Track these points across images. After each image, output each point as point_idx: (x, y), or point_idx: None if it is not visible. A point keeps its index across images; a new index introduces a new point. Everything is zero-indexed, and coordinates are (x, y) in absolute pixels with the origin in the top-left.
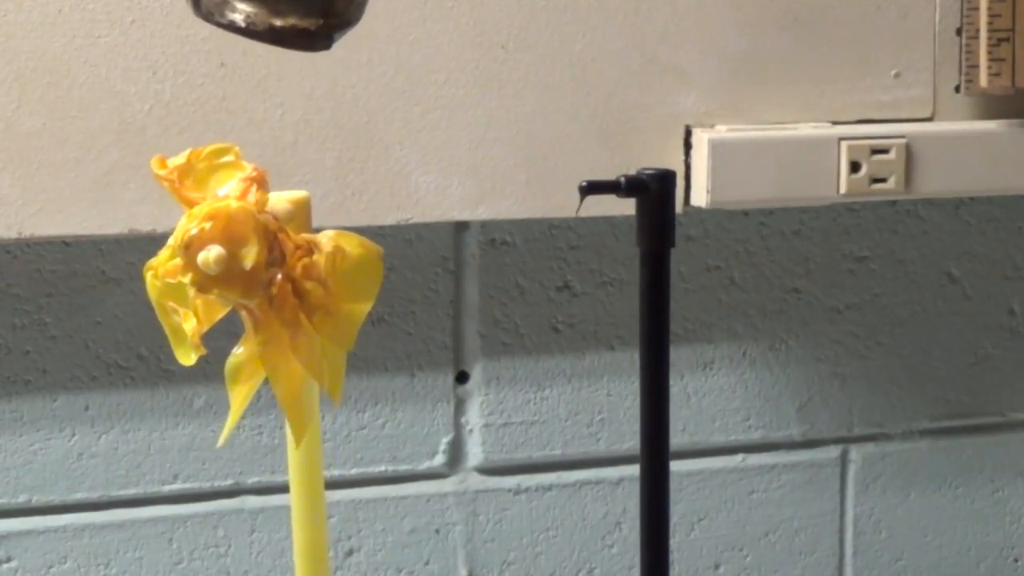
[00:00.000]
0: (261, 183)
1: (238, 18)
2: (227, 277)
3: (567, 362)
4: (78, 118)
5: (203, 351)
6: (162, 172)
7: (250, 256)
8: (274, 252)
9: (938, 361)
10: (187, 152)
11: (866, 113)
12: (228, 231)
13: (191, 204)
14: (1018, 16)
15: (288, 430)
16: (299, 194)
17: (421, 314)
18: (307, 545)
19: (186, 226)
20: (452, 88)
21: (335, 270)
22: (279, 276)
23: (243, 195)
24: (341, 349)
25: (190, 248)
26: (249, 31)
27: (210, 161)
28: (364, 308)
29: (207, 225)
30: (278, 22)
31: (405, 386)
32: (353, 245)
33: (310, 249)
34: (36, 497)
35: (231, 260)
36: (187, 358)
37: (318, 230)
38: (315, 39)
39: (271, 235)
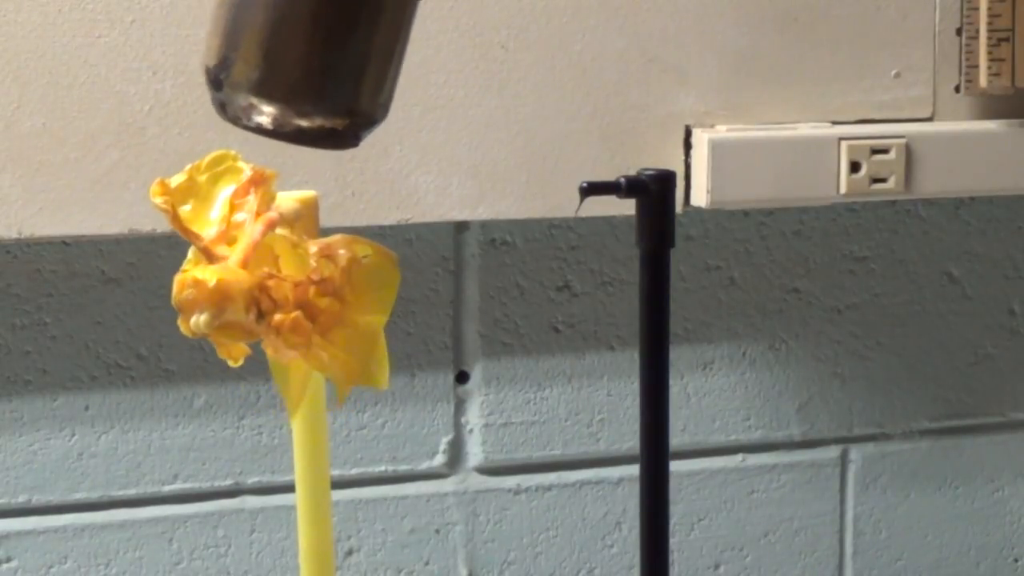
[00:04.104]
0: (260, 182)
1: (265, 121)
2: (224, 329)
3: (567, 362)
4: (78, 118)
5: (247, 351)
6: (159, 200)
7: (238, 316)
8: (264, 304)
9: (938, 361)
10: (187, 169)
11: (866, 113)
12: (215, 295)
13: (187, 232)
14: (1018, 16)
15: (294, 432)
16: (307, 194)
17: (421, 314)
18: (312, 545)
19: (176, 293)
20: (452, 88)
21: (351, 280)
22: (277, 316)
23: (242, 196)
24: (359, 360)
25: (182, 312)
26: (276, 133)
27: (211, 171)
28: (381, 320)
29: (192, 292)
30: (305, 123)
31: (405, 386)
32: (368, 253)
33: (310, 281)
34: (36, 497)
35: (222, 317)
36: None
37: (323, 231)
38: (342, 138)
39: (257, 290)
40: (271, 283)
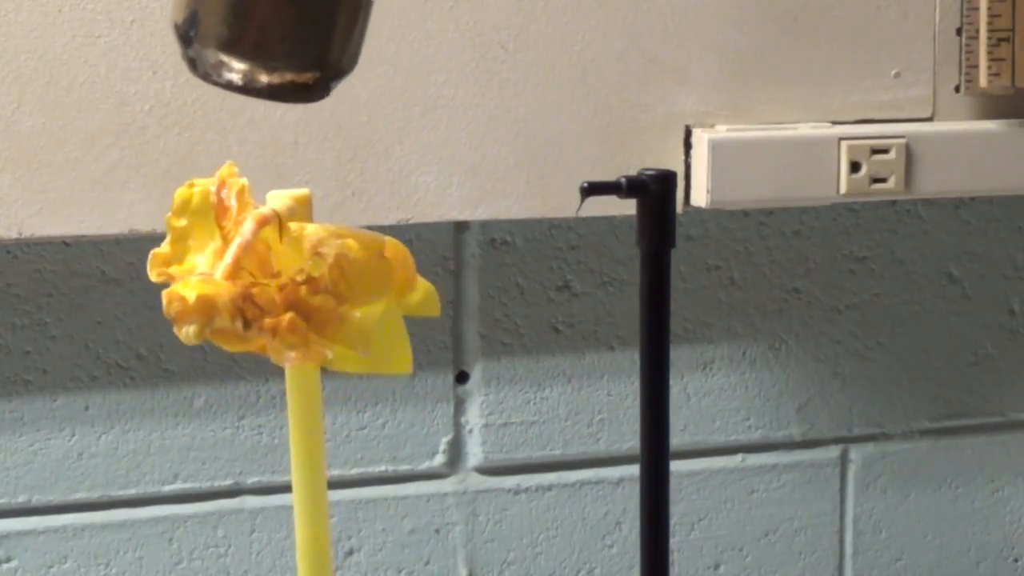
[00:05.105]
0: (225, 184)
1: (235, 78)
2: (217, 336)
3: (567, 362)
4: (78, 118)
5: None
6: (155, 275)
7: (224, 325)
8: (250, 312)
9: (938, 361)
10: (168, 231)
11: (866, 113)
12: (198, 308)
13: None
14: (1018, 16)
15: (290, 434)
16: (300, 191)
17: None
18: (310, 545)
19: (165, 306)
20: (452, 88)
21: (344, 275)
22: (268, 320)
23: (225, 210)
24: (359, 352)
25: (174, 323)
26: (247, 89)
27: (185, 212)
28: (377, 309)
29: (177, 305)
30: (275, 79)
31: (405, 386)
32: (355, 250)
33: (295, 284)
34: (36, 497)
35: (212, 326)
36: None
37: None
38: (312, 92)
39: (240, 299)
40: (255, 290)
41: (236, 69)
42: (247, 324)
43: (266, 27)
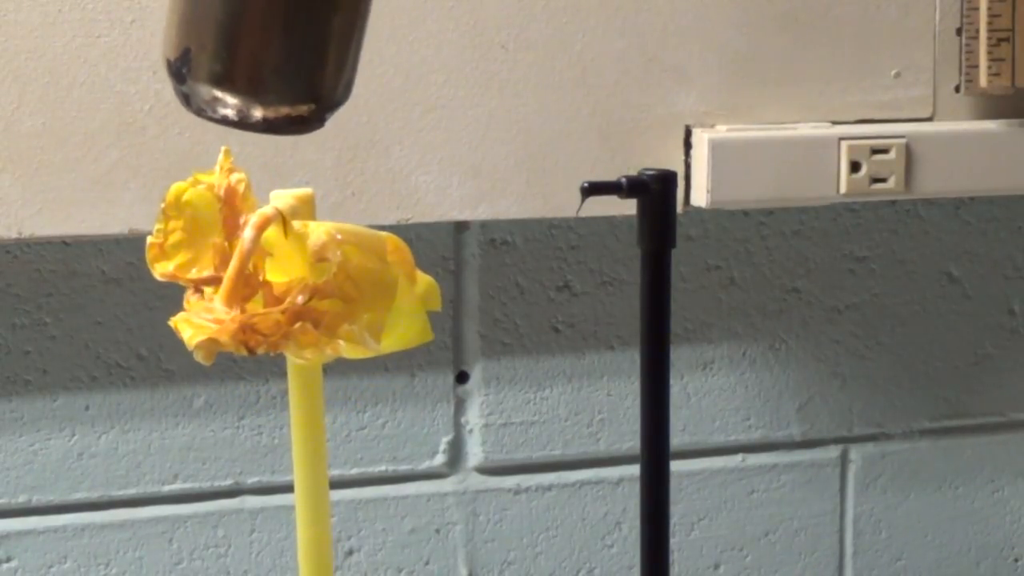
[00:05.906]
0: (232, 193)
1: (230, 113)
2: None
3: (567, 362)
4: (78, 118)
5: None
6: (165, 278)
7: (230, 349)
8: (253, 341)
9: (938, 361)
10: (162, 222)
11: (866, 113)
12: (203, 344)
13: (206, 282)
14: (1018, 16)
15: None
16: (303, 191)
17: None
18: (310, 545)
19: (173, 329)
20: (452, 88)
21: (350, 277)
22: (273, 339)
23: (231, 215)
24: (370, 349)
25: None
26: (242, 124)
27: (177, 209)
28: (383, 310)
29: (188, 333)
30: (270, 113)
31: (405, 386)
32: (358, 256)
33: (296, 307)
34: (36, 497)
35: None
36: None
37: None
38: (308, 124)
39: (240, 332)
40: (255, 320)
41: (230, 104)
42: (251, 351)
43: (258, 61)
